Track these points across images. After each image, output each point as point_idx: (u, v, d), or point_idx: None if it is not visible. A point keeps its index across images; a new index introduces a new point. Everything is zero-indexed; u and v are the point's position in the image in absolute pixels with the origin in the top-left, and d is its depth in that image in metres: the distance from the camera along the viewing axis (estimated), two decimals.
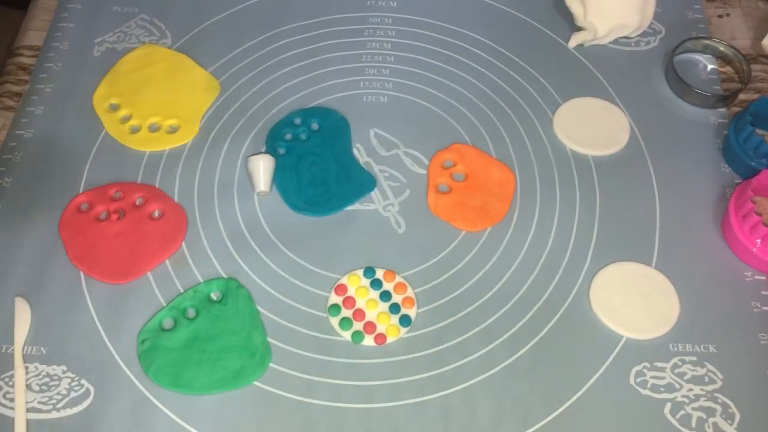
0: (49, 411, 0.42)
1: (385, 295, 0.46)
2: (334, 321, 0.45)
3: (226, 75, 0.56)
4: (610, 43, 0.58)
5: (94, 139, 0.52)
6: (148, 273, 0.47)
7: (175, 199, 0.49)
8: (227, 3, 0.60)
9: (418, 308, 0.45)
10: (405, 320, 0.45)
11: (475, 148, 0.52)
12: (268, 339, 0.44)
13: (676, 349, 0.44)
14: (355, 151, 0.52)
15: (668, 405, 0.42)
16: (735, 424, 0.41)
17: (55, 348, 0.44)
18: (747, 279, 0.47)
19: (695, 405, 0.42)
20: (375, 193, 0.50)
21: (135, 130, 0.53)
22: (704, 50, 0.58)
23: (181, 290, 0.46)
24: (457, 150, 0.52)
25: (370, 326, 0.44)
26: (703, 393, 0.42)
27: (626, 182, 0.51)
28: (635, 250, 0.48)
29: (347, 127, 0.53)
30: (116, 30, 0.58)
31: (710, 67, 0.57)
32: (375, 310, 0.45)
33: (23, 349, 0.43)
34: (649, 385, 0.43)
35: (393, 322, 0.45)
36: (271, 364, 0.43)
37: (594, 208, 0.50)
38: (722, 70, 0.57)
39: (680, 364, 0.44)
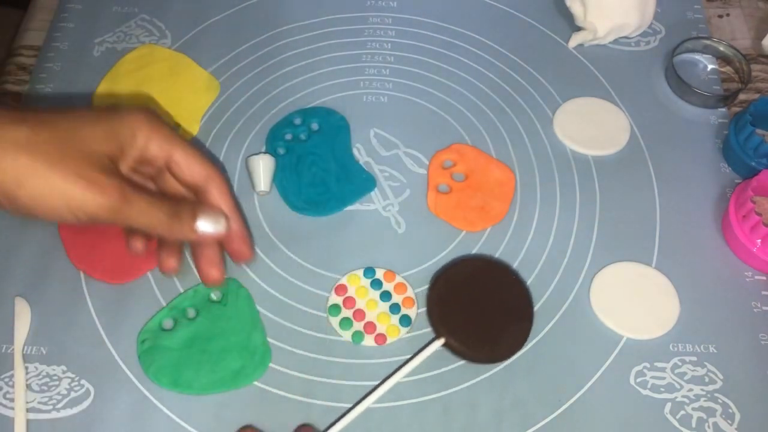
0: (49, 411, 0.42)
1: (385, 295, 0.46)
2: (334, 321, 0.45)
3: (226, 75, 0.56)
4: (610, 43, 0.58)
5: None
6: (148, 273, 0.46)
7: None
8: (227, 3, 0.60)
9: (418, 308, 0.45)
10: (405, 320, 0.45)
11: (475, 148, 0.52)
12: (268, 339, 0.44)
13: (676, 349, 0.44)
14: (355, 151, 0.52)
15: (668, 405, 0.42)
16: (735, 424, 0.41)
17: (55, 348, 0.44)
18: (747, 279, 0.47)
19: (695, 405, 0.42)
20: (375, 193, 0.50)
21: None
22: (704, 50, 0.58)
23: (181, 290, 0.46)
24: (457, 150, 0.52)
25: (370, 326, 0.44)
26: (704, 393, 0.43)
27: (626, 182, 0.51)
28: (635, 250, 0.48)
29: (347, 127, 0.53)
30: (116, 30, 0.58)
31: (710, 67, 0.57)
32: (375, 310, 0.45)
33: (23, 349, 0.43)
34: (649, 386, 0.43)
35: (393, 322, 0.45)
36: (271, 364, 0.43)
37: (594, 208, 0.50)
38: (722, 70, 0.57)
39: (680, 364, 0.44)
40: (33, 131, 0.34)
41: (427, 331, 0.44)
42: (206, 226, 0.38)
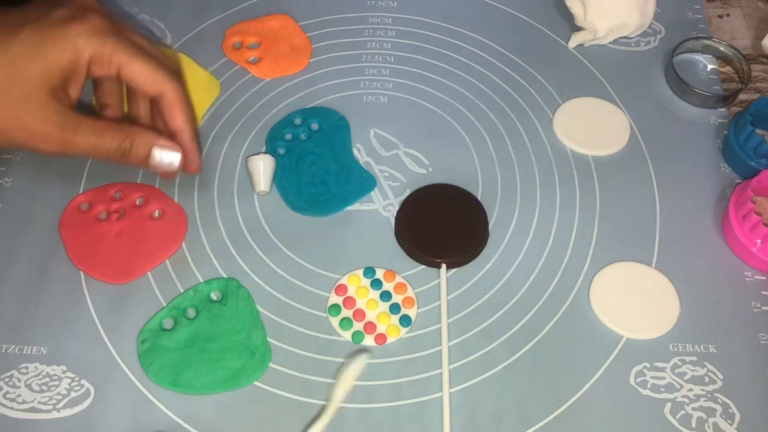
0: (49, 411, 0.42)
1: (385, 295, 0.46)
2: (334, 321, 0.45)
3: (226, 75, 0.56)
4: (610, 43, 0.58)
5: None
6: (148, 273, 0.47)
7: (175, 199, 0.49)
8: (227, 3, 0.60)
9: (418, 308, 0.45)
10: (405, 320, 0.45)
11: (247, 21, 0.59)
12: (268, 339, 0.44)
13: (676, 349, 0.44)
14: (355, 151, 0.52)
15: (668, 405, 0.42)
16: (735, 424, 0.41)
17: (55, 348, 0.44)
18: (747, 279, 0.47)
19: (695, 405, 0.42)
20: (375, 193, 0.50)
21: None
22: (704, 50, 0.58)
23: (181, 290, 0.46)
24: (239, 29, 0.57)
25: (370, 326, 0.44)
26: (704, 393, 0.43)
27: (626, 182, 0.51)
28: (635, 250, 0.48)
29: (347, 127, 0.53)
30: None
31: (710, 67, 0.57)
32: (375, 310, 0.45)
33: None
34: (649, 386, 0.43)
35: (393, 322, 0.45)
36: (271, 364, 0.43)
37: (594, 208, 0.50)
38: (722, 70, 0.57)
39: (680, 364, 0.44)
40: None
41: (428, 331, 0.45)
42: (160, 161, 0.38)
